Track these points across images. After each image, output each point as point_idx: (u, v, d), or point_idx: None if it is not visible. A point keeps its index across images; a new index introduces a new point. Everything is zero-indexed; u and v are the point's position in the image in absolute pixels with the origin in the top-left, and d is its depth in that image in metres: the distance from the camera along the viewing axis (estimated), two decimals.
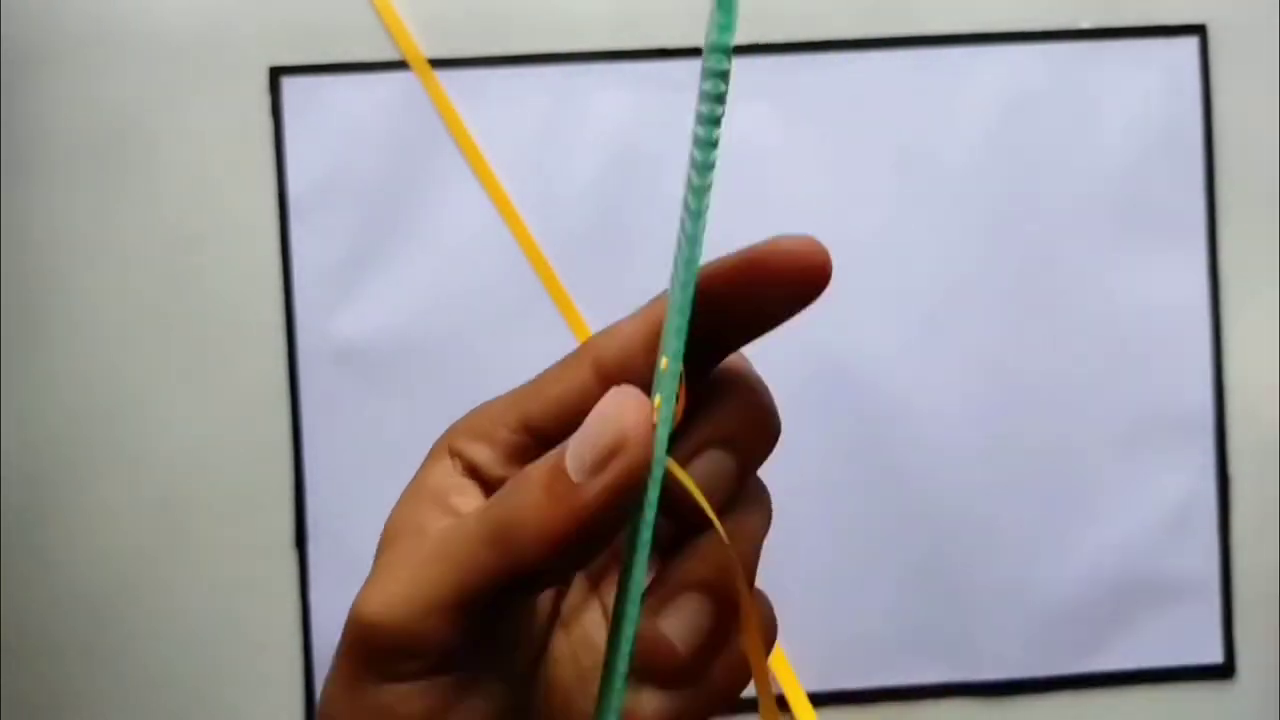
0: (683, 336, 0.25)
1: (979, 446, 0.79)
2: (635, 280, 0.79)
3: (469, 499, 0.28)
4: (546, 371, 0.30)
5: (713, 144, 0.24)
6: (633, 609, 0.26)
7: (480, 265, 0.78)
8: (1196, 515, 0.81)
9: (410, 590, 0.27)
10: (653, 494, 0.25)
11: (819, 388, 0.79)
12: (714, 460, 0.27)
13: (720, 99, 0.23)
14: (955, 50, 0.80)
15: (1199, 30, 0.81)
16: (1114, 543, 0.81)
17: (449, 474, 0.29)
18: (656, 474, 0.25)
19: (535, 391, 0.29)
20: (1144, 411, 0.81)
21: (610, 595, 0.30)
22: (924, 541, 0.79)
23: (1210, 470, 0.81)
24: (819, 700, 0.78)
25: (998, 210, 0.80)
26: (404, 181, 0.78)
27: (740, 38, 0.80)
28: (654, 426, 0.25)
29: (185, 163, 0.79)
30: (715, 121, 0.24)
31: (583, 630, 0.30)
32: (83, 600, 0.78)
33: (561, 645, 0.30)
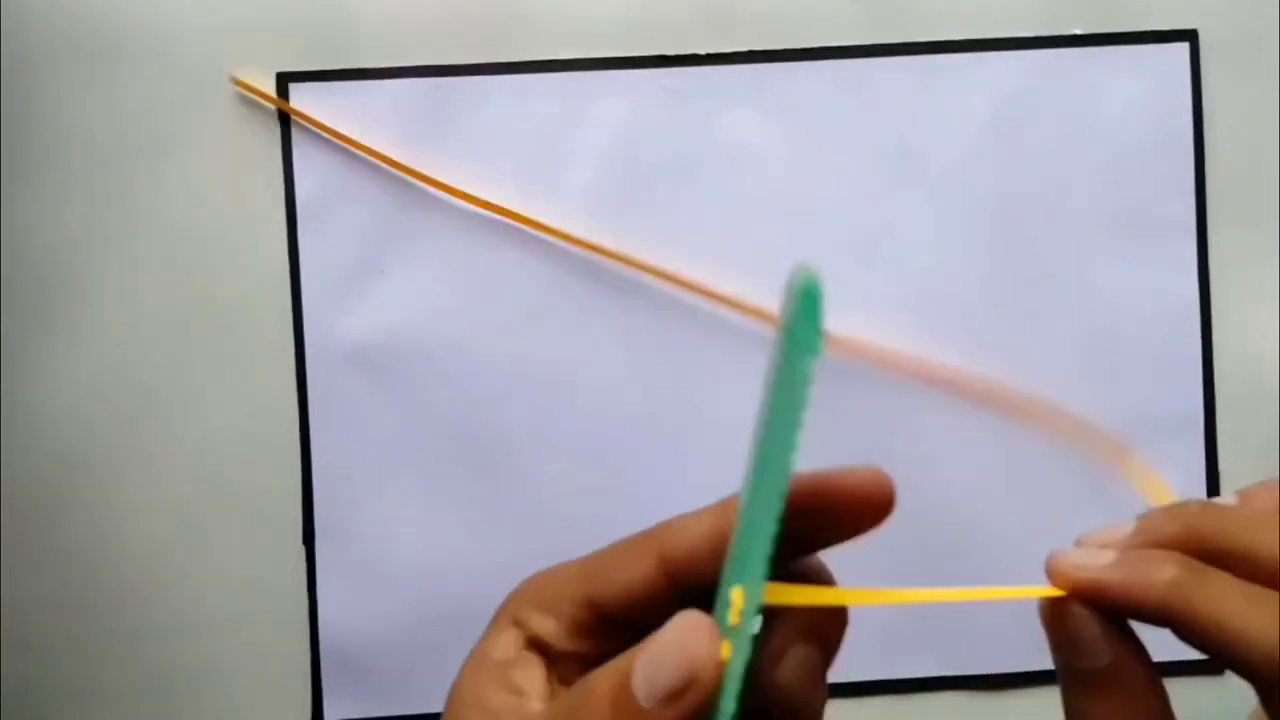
0: (756, 603, 0.24)
1: (972, 443, 0.79)
2: (638, 287, 0.80)
3: (531, 675, 0.28)
4: (613, 552, 0.29)
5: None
6: None
7: (485, 269, 0.79)
8: None
9: None
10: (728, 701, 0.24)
11: (818, 388, 0.79)
12: (801, 656, 0.28)
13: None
14: (948, 56, 0.81)
15: (1190, 36, 0.81)
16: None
17: (511, 647, 0.29)
18: (726, 708, 0.24)
19: (601, 573, 0.29)
20: (1134, 412, 0.81)
21: None
22: (917, 536, 0.80)
23: (1200, 470, 0.82)
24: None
25: (990, 215, 0.81)
26: (411, 187, 0.79)
27: (734, 44, 0.80)
28: (723, 663, 0.24)
29: (193, 168, 0.79)
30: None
31: None
32: (89, 598, 0.79)
33: None
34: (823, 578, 0.29)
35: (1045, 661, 0.87)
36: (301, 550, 0.80)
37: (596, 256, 0.79)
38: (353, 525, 0.80)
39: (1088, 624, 0.30)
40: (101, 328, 0.79)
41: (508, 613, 0.30)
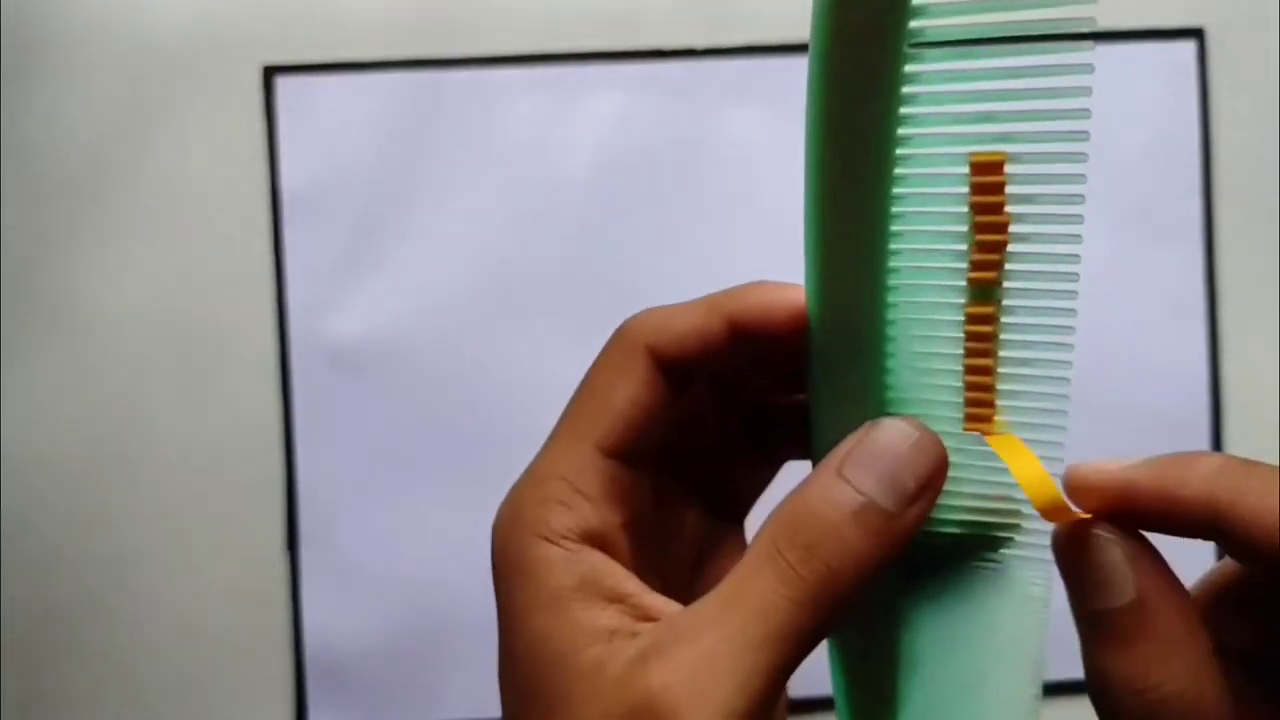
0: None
1: None
2: (631, 279, 0.79)
3: (618, 578, 0.26)
4: (592, 385, 0.28)
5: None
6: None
7: (473, 266, 0.78)
8: None
9: (749, 699, 0.24)
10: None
11: None
12: None
13: None
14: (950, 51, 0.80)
15: (1197, 34, 0.81)
16: None
17: (574, 560, 0.26)
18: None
19: (594, 412, 0.28)
20: (1140, 414, 0.81)
21: None
22: None
23: None
24: (815, 704, 0.77)
25: None
26: (397, 182, 0.78)
27: (736, 38, 0.80)
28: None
29: (178, 163, 0.78)
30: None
31: None
32: (74, 603, 0.78)
33: None
34: None
35: (1050, 673, 0.86)
36: (284, 556, 0.79)
37: (589, 257, 0.78)
38: (337, 530, 0.78)
39: (1109, 548, 0.27)
40: (80, 329, 0.78)
41: (530, 536, 0.27)
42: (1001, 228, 0.24)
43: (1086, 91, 0.23)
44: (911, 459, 0.25)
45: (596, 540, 0.27)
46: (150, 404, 0.78)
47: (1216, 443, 0.81)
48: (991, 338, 0.25)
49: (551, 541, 0.27)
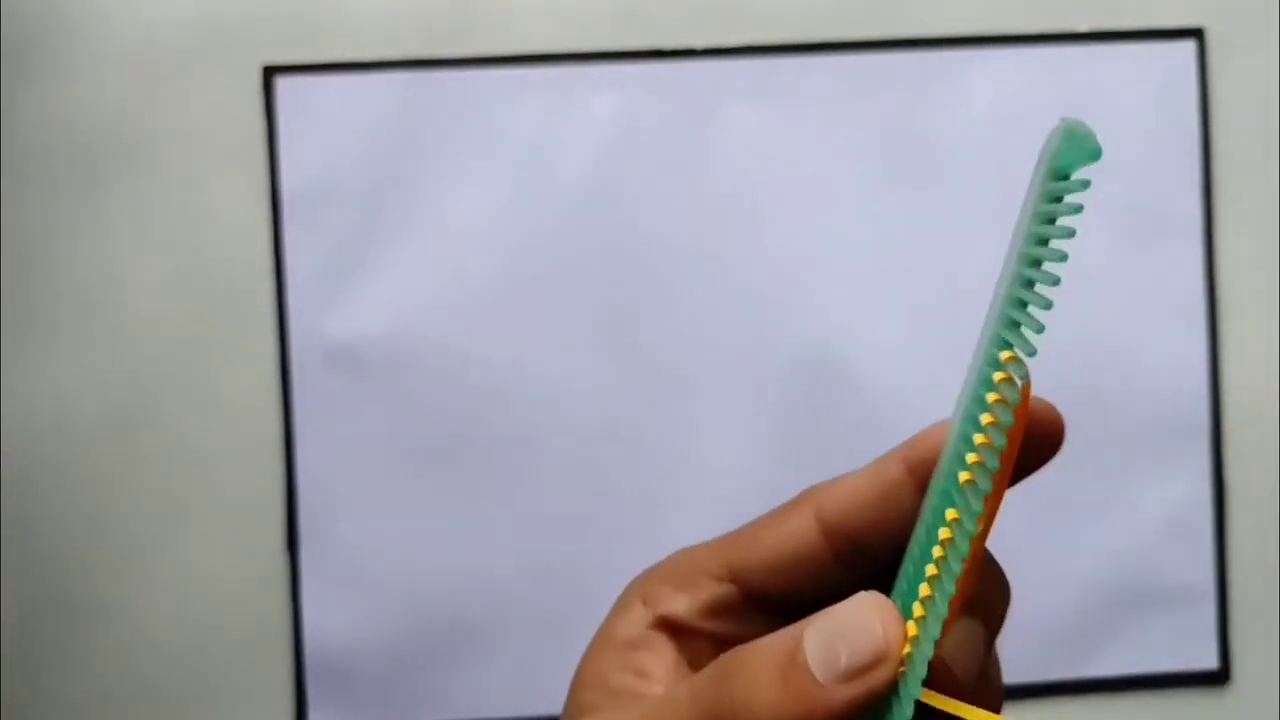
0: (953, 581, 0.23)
1: None
2: (630, 278, 0.79)
3: (657, 656, 0.26)
4: (760, 519, 0.28)
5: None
6: None
7: (473, 266, 0.78)
8: (1193, 521, 0.81)
9: None
10: (904, 706, 0.24)
11: (815, 388, 0.78)
12: (967, 629, 0.26)
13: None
14: (952, 52, 0.80)
15: (1197, 34, 0.81)
16: (1111, 549, 0.81)
17: (637, 625, 0.27)
18: (911, 681, 0.24)
19: (747, 539, 0.27)
20: (1141, 416, 0.80)
21: None
22: None
23: (1207, 476, 0.81)
24: None
25: (994, 212, 0.80)
26: (397, 182, 0.78)
27: (736, 38, 0.79)
28: (910, 642, 0.24)
29: (178, 162, 0.78)
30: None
31: None
32: (75, 602, 0.78)
33: None
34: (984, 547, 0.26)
35: (1049, 674, 0.86)
36: (284, 555, 0.78)
37: (589, 256, 0.78)
38: (337, 529, 0.78)
39: None
40: (81, 327, 0.78)
41: (637, 590, 0.28)
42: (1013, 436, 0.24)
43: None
44: (850, 636, 0.24)
45: (678, 630, 0.28)
46: (150, 404, 0.78)
47: (1216, 442, 0.81)
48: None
49: (644, 600, 0.28)
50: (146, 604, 0.78)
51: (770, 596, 0.26)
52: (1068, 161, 0.21)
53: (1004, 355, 0.23)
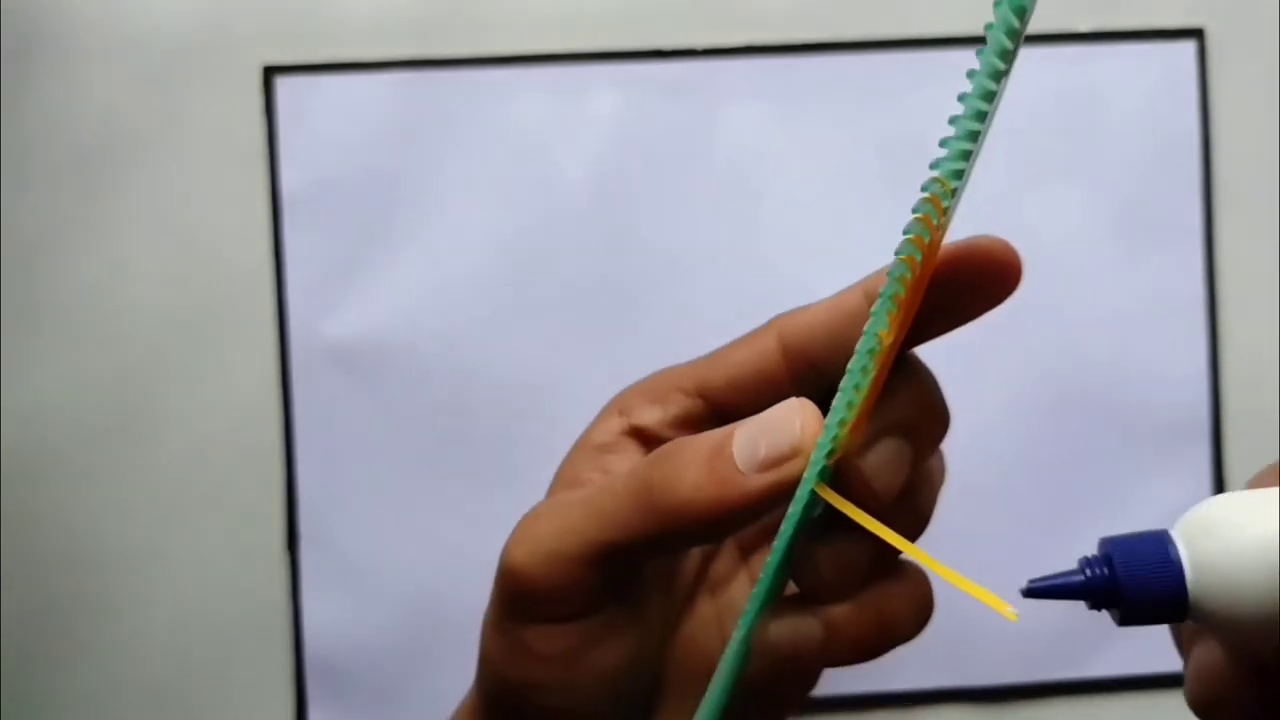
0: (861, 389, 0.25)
1: (974, 450, 0.78)
2: (630, 279, 0.79)
3: (623, 458, 0.29)
4: (730, 344, 0.31)
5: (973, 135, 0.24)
6: (763, 584, 0.27)
7: (473, 266, 0.78)
8: None
9: (554, 542, 0.28)
10: (801, 495, 0.26)
11: None
12: (891, 448, 0.28)
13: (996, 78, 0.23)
14: (952, 53, 0.80)
15: (1197, 34, 0.81)
16: None
17: (611, 431, 0.30)
18: (810, 477, 0.26)
19: (716, 359, 0.30)
20: (1141, 416, 0.80)
21: (758, 569, 0.31)
22: (918, 545, 0.78)
23: (1207, 476, 0.81)
24: (816, 705, 0.77)
25: (995, 211, 0.80)
26: (397, 182, 0.78)
27: (736, 38, 0.79)
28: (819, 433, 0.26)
29: (178, 162, 0.78)
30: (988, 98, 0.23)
31: (729, 597, 0.31)
32: (74, 602, 0.78)
33: (706, 608, 0.31)
34: (921, 372, 0.29)
35: (1048, 674, 0.86)
36: (285, 555, 0.78)
37: (589, 256, 0.78)
38: (337, 530, 0.78)
39: None
40: (81, 328, 0.78)
41: (617, 402, 0.31)
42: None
43: None
44: (771, 431, 0.26)
45: (645, 431, 0.30)
46: (150, 404, 0.78)
47: (1217, 443, 0.81)
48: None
49: (619, 411, 0.31)
50: (146, 603, 0.78)
51: (733, 412, 0.29)
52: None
53: (935, 174, 0.25)
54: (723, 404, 0.30)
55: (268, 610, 0.78)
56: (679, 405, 0.31)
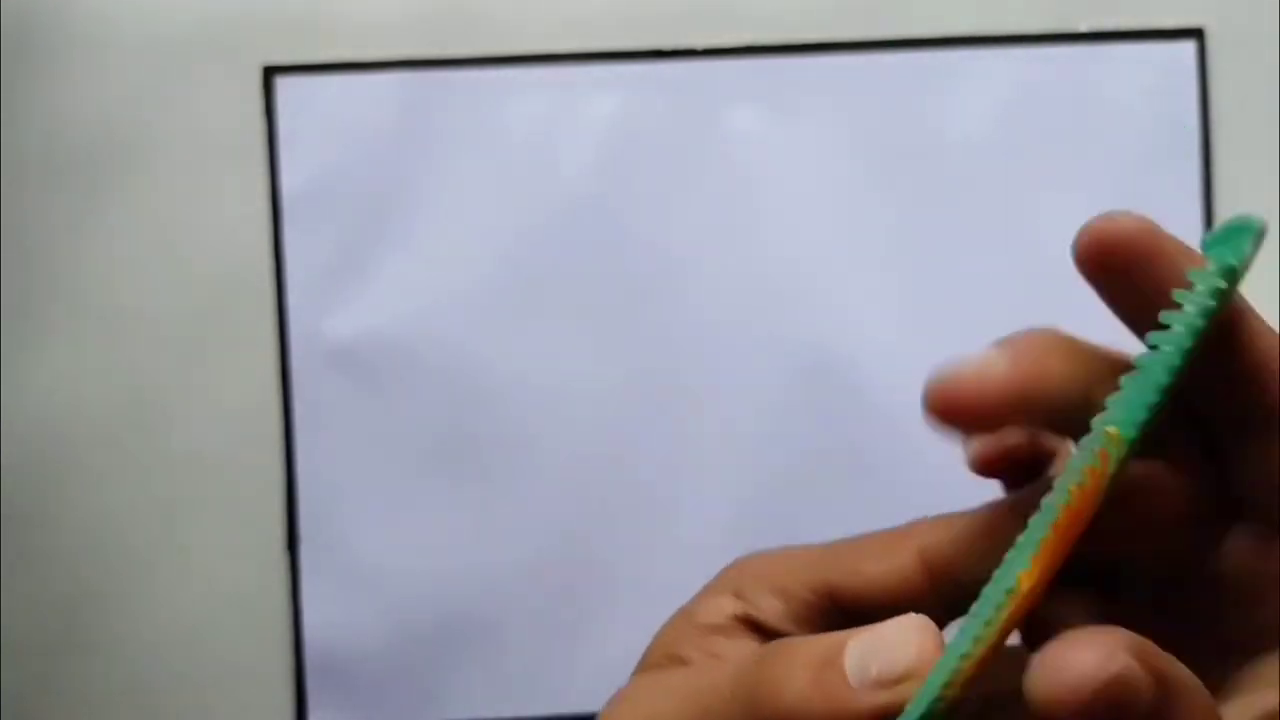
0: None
1: None
2: (630, 278, 0.79)
3: (735, 645, 0.27)
4: (864, 542, 0.29)
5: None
6: None
7: (473, 266, 0.78)
8: None
9: None
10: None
11: (814, 386, 0.78)
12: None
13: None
14: (953, 52, 0.80)
15: (1197, 33, 0.81)
16: None
17: (723, 614, 0.28)
18: (916, 708, 0.24)
19: (849, 563, 0.28)
20: None
21: None
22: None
23: None
24: None
25: (994, 210, 0.80)
26: (397, 181, 0.78)
27: (736, 38, 0.79)
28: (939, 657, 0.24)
29: (178, 162, 0.78)
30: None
31: None
32: (74, 602, 0.78)
33: None
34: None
35: None
36: (284, 556, 0.78)
37: (589, 256, 0.78)
38: (337, 530, 0.78)
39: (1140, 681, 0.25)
40: (81, 328, 0.78)
41: (730, 581, 0.30)
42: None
43: None
44: (885, 649, 0.24)
45: (760, 622, 0.29)
46: (150, 404, 0.78)
47: None
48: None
49: (735, 594, 0.29)
50: (146, 604, 0.78)
51: (858, 617, 0.27)
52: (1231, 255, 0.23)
53: (1109, 430, 0.23)
54: (851, 612, 0.29)
55: (268, 610, 0.78)
56: (800, 601, 0.29)
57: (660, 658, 0.29)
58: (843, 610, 0.28)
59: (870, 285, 0.79)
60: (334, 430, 0.78)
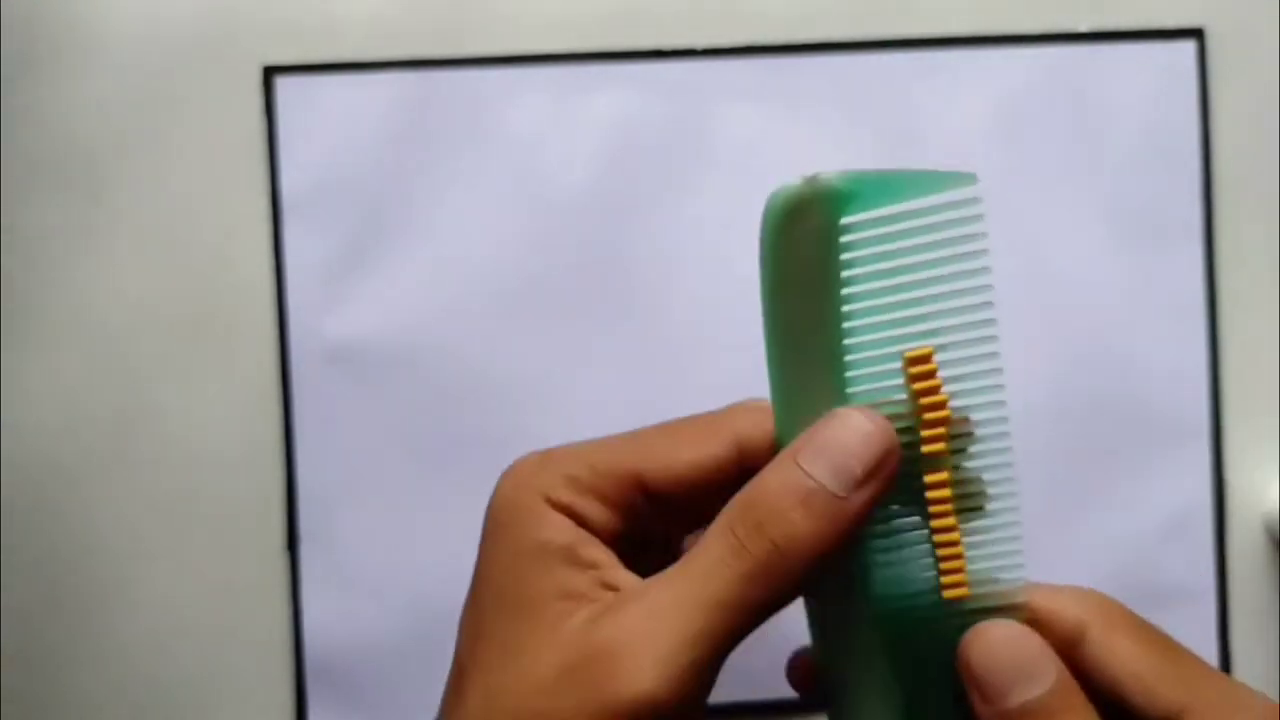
0: None
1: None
2: (631, 283, 0.79)
3: (600, 550, 0.27)
4: (679, 430, 0.29)
5: None
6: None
7: (473, 266, 0.78)
8: (1193, 521, 0.81)
9: (688, 654, 0.26)
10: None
11: None
12: None
13: None
14: (951, 52, 0.80)
15: (1197, 34, 0.81)
16: (1110, 549, 0.80)
17: (567, 530, 0.28)
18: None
19: (664, 450, 0.29)
20: (1141, 416, 0.80)
21: None
22: None
23: (1207, 475, 0.81)
24: (814, 705, 0.77)
25: (993, 212, 0.80)
26: (397, 182, 0.78)
27: (736, 38, 0.79)
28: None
29: (178, 162, 0.78)
30: None
31: None
32: (64, 607, 0.78)
33: None
34: None
35: None
36: (284, 557, 0.78)
37: (589, 257, 0.78)
38: (337, 531, 0.78)
39: (1031, 638, 0.28)
40: (77, 328, 0.78)
41: (534, 495, 0.30)
42: (942, 405, 0.30)
43: (989, 289, 0.32)
44: (861, 446, 0.27)
45: (590, 526, 0.29)
46: (149, 404, 0.78)
47: (1217, 443, 0.81)
48: (950, 501, 0.29)
49: (555, 505, 0.29)
50: (145, 604, 0.78)
51: (675, 506, 0.28)
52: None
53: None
54: (666, 501, 0.29)
55: (268, 610, 0.78)
56: (620, 500, 0.29)
57: (534, 606, 0.28)
58: (659, 504, 0.28)
59: None
60: (334, 430, 0.78)
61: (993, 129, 0.80)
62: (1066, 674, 0.29)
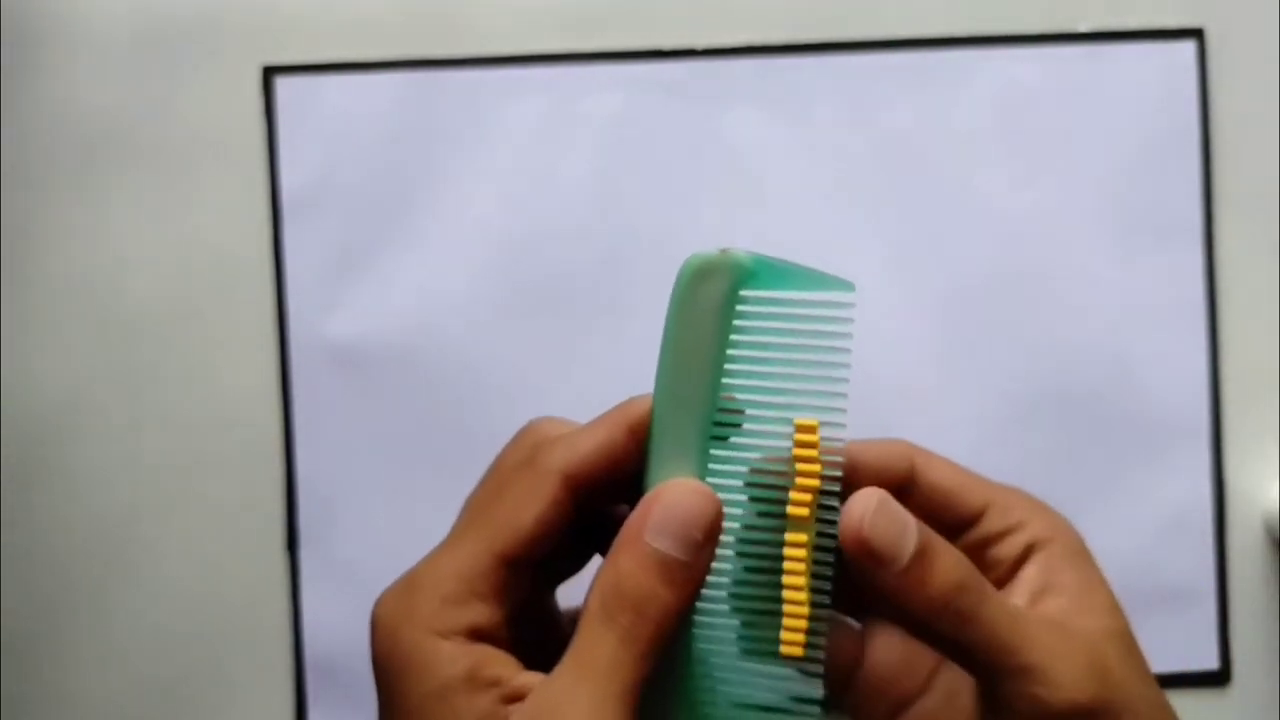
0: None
1: (972, 451, 0.78)
2: (631, 283, 0.79)
3: (496, 664, 0.29)
4: (506, 502, 0.32)
5: None
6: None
7: (473, 266, 0.78)
8: (1193, 521, 0.81)
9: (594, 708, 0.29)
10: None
11: None
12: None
13: None
14: (952, 52, 0.80)
15: (1197, 34, 0.81)
16: (1110, 549, 0.80)
17: (463, 653, 0.30)
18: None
19: (503, 526, 0.32)
20: (1141, 416, 0.80)
21: None
22: None
23: (1207, 475, 0.81)
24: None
25: (993, 213, 0.80)
26: (397, 182, 0.78)
27: (736, 38, 0.79)
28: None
29: (178, 162, 0.78)
30: None
31: None
32: (73, 600, 0.78)
33: None
34: None
35: None
36: (284, 555, 0.78)
37: (589, 257, 0.78)
38: (337, 530, 0.78)
39: (893, 504, 0.34)
40: (80, 327, 0.78)
41: (422, 632, 0.31)
42: (815, 475, 0.34)
43: (845, 382, 0.38)
44: (698, 515, 0.29)
45: (485, 635, 0.30)
46: (149, 403, 0.78)
47: (1216, 443, 0.81)
48: (805, 562, 0.32)
49: (444, 637, 0.31)
50: (145, 603, 0.78)
51: (528, 562, 0.30)
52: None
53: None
54: (523, 562, 0.32)
55: (268, 609, 0.78)
56: (495, 587, 0.32)
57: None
58: (517, 567, 0.31)
59: (871, 284, 0.79)
60: (334, 429, 0.78)
61: (993, 128, 0.80)
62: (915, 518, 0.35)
